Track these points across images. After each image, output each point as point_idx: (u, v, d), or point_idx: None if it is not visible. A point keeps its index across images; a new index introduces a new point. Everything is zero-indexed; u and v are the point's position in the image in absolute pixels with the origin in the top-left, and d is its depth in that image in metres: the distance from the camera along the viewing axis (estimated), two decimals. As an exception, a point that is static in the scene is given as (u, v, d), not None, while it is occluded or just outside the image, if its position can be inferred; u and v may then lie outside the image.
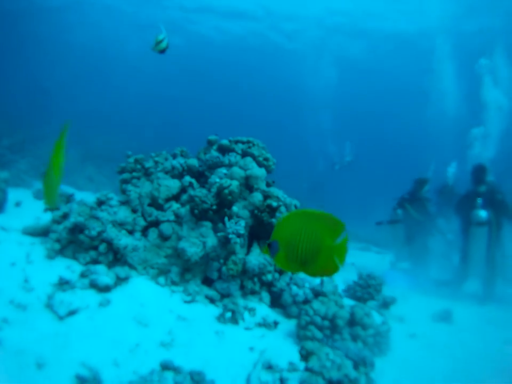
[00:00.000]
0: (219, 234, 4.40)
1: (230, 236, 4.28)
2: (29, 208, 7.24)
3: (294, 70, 26.56)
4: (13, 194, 6.88)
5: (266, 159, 5.32)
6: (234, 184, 4.60)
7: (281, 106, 38.54)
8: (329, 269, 2.13)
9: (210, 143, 5.59)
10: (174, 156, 5.58)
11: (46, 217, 5.36)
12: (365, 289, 5.36)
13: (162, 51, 4.52)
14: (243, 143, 5.44)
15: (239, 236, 4.32)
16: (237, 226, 4.35)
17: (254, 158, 5.22)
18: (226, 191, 4.55)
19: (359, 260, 9.26)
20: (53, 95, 22.43)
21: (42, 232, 5.03)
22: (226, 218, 4.42)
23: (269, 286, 4.55)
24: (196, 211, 4.59)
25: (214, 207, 4.58)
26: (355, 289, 5.43)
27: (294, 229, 2.10)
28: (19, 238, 4.89)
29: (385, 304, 5.25)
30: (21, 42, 30.74)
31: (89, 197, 10.34)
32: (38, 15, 25.05)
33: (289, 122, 41.38)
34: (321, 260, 2.09)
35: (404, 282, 7.51)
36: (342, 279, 5.79)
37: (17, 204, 7.20)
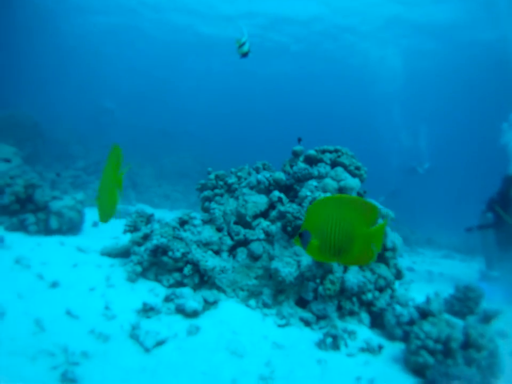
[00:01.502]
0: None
1: (329, 253, 3.83)
2: (106, 228, 7.08)
3: (359, 64, 25.60)
4: (90, 215, 6.73)
5: (357, 168, 4.84)
6: (328, 197, 4.15)
7: (349, 105, 37.51)
8: (366, 257, 2.01)
9: (296, 154, 5.15)
10: (257, 170, 5.19)
11: (124, 238, 5.14)
12: (463, 302, 4.79)
13: (245, 55, 4.22)
14: (330, 152, 4.99)
15: None
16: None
17: (345, 167, 4.76)
18: (320, 204, 4.11)
19: (443, 269, 8.65)
20: (117, 115, 22.81)
21: (121, 253, 4.79)
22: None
23: (368, 305, 4.06)
24: (289, 228, 4.17)
25: (307, 223, 4.15)
26: (452, 303, 4.86)
27: (326, 217, 1.98)
28: (97, 259, 4.65)
29: (486, 319, 4.64)
30: (86, 65, 31.75)
31: (166, 214, 10.35)
32: (102, 37, 25.72)
33: (359, 122, 40.36)
34: (357, 248, 1.97)
35: (498, 293, 6.79)
36: (428, 291, 5.25)
37: (94, 224, 7.10)
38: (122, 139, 17.82)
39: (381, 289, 4.13)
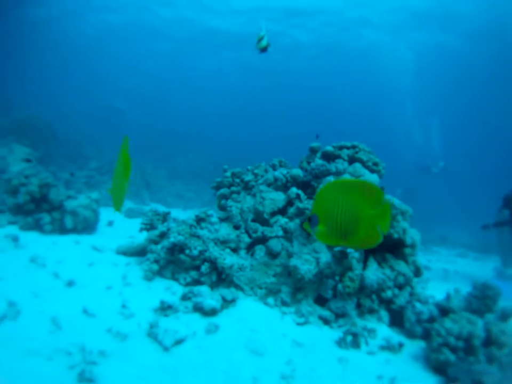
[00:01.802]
0: (336, 249, 3.88)
1: (349, 250, 3.77)
2: (121, 227, 7.08)
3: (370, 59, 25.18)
4: (105, 214, 6.70)
5: (375, 164, 4.76)
6: (347, 193, 4.09)
7: (361, 99, 37.00)
8: (372, 239, 2.02)
9: (313, 151, 5.07)
10: (274, 167, 5.12)
11: (140, 237, 5.10)
12: (481, 300, 4.67)
13: (264, 49, 4.15)
14: (348, 148, 4.91)
15: (369, 252, 3.82)
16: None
17: (363, 163, 4.68)
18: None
19: (458, 267, 8.55)
20: (128, 116, 22.83)
21: (137, 252, 4.75)
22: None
23: (387, 303, 3.97)
24: (308, 225, 4.11)
25: (328, 219, 4.08)
26: (470, 301, 4.75)
27: (331, 201, 2.02)
28: (113, 258, 4.61)
29: (504, 317, 4.53)
30: (96, 65, 31.83)
31: (180, 214, 10.35)
32: (112, 36, 25.72)
33: (372, 117, 39.92)
34: (363, 230, 2.00)
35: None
36: (444, 289, 5.17)
37: (110, 224, 7.07)
38: (134, 140, 17.67)
39: (400, 287, 4.04)
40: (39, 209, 5.62)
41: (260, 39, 4.08)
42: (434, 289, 4.87)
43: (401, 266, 4.06)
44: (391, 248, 4.10)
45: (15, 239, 4.69)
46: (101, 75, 33.91)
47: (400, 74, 24.80)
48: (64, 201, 5.71)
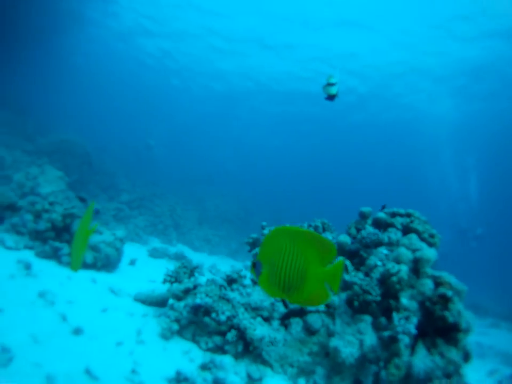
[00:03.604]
0: (385, 333, 3.34)
1: (400, 336, 3.22)
2: (143, 268, 6.66)
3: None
4: (129, 250, 6.27)
5: (431, 236, 4.24)
6: (404, 270, 3.57)
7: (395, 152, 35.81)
8: (319, 298, 1.82)
9: (363, 216, 4.57)
10: (315, 229, 4.64)
11: (162, 286, 4.63)
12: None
13: (331, 97, 3.75)
14: (401, 215, 4.41)
15: (410, 336, 3.26)
16: (408, 324, 3.33)
17: (419, 234, 4.15)
18: (394, 278, 3.51)
19: (493, 341, 7.91)
20: (156, 153, 22.69)
21: (156, 302, 4.28)
22: (394, 314, 3.37)
23: (433, 397, 3.40)
24: (356, 302, 3.56)
25: (378, 298, 3.53)
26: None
27: (278, 249, 1.81)
28: (130, 306, 4.14)
29: None
30: (137, 100, 32.21)
31: (205, 259, 9.93)
32: (155, 74, 25.95)
33: (409, 170, 38.49)
34: (309, 287, 1.80)
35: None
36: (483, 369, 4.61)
37: (132, 262, 6.65)
38: (167, 179, 17.69)
39: (448, 376, 3.47)
40: (59, 239, 5.21)
41: (330, 85, 3.68)
42: (471, 368, 4.31)
43: (452, 353, 3.51)
44: (443, 331, 3.55)
45: (27, 266, 4.29)
46: (141, 110, 34.31)
47: (438, 125, 23.69)
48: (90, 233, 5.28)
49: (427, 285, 3.64)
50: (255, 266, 1.86)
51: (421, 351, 3.51)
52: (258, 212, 18.41)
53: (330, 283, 1.79)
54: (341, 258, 1.73)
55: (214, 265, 9.25)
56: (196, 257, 9.88)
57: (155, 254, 8.62)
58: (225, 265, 9.47)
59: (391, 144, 30.62)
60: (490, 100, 19.53)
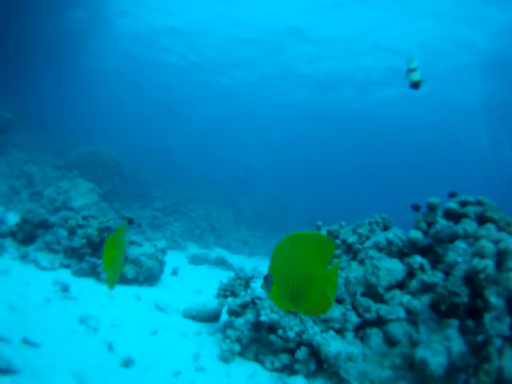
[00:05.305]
0: (478, 338, 2.85)
1: (494, 339, 2.75)
2: (186, 277, 6.29)
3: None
4: (168, 258, 5.87)
5: (508, 224, 3.72)
6: (490, 265, 3.06)
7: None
8: (323, 304, 1.68)
9: (432, 208, 4.01)
10: (377, 225, 4.14)
11: (208, 291, 4.24)
12: None
13: (416, 85, 3.30)
14: (472, 204, 3.88)
15: (504, 338, 2.80)
16: (501, 325, 2.84)
17: (496, 224, 3.63)
18: (482, 275, 3.01)
19: None
20: (176, 155, 22.46)
21: (207, 317, 3.88)
22: (486, 315, 2.89)
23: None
24: (443, 306, 3.06)
25: (466, 299, 3.04)
26: None
27: (284, 257, 1.72)
28: (180, 324, 3.76)
29: None
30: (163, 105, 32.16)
31: (244, 261, 9.55)
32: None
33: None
34: (314, 293, 1.68)
35: None
36: None
37: (174, 272, 6.29)
38: (198, 182, 17.44)
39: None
40: (96, 254, 4.84)
41: (411, 70, 3.24)
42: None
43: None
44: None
45: (65, 287, 3.96)
46: (161, 113, 34.30)
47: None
48: (126, 248, 4.90)
49: (513, 279, 3.14)
50: (266, 280, 1.77)
51: (508, 353, 3.04)
52: (294, 209, 18.06)
53: (328, 287, 1.69)
54: (335, 261, 1.39)
55: (256, 267, 8.89)
56: (235, 260, 9.52)
57: (195, 260, 8.26)
58: (266, 267, 9.06)
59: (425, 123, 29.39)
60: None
